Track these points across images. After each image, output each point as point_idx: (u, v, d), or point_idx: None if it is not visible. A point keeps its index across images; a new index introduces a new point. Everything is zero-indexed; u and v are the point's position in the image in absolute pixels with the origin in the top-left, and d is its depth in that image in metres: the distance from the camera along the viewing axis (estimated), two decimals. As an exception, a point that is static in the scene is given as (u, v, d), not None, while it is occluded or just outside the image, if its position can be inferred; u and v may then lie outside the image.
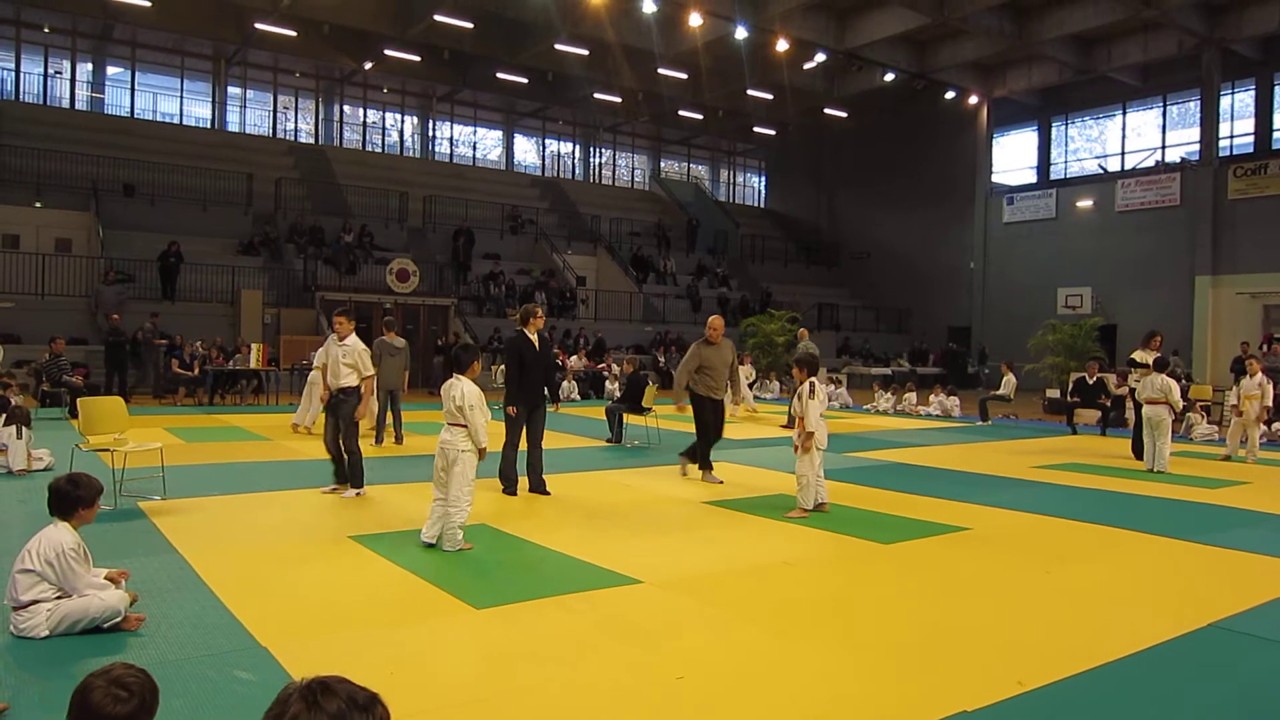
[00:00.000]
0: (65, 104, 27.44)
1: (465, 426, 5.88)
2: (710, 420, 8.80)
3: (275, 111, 31.43)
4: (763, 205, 41.38)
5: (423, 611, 4.58)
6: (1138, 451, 11.10)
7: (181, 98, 29.35)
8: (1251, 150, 25.50)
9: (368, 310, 22.14)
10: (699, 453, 8.86)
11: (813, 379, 7.27)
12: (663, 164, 40.44)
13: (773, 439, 13.01)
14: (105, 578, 4.25)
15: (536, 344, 7.95)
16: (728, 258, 33.50)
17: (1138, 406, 11.03)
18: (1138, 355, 11.62)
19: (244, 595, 4.70)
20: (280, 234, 23.96)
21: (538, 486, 7.94)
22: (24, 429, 8.37)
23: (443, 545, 5.79)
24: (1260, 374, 11.70)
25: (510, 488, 7.89)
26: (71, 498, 4.21)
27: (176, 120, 29.07)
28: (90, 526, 4.47)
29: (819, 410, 7.20)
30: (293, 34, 24.70)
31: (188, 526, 6.33)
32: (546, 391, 8.13)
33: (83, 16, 25.53)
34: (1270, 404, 11.83)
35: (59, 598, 4.02)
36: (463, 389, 5.88)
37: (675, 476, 9.21)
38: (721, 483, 8.57)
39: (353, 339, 7.63)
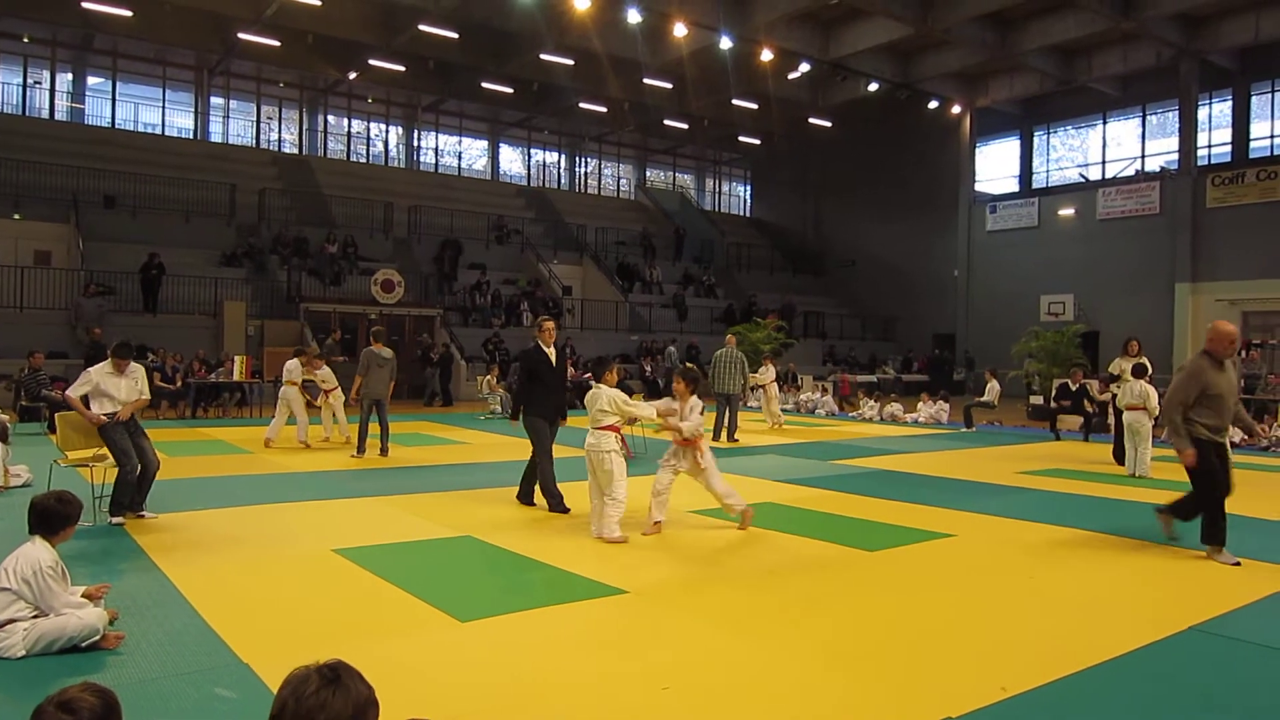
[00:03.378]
0: (45, 114, 27.27)
1: (606, 429, 6.52)
2: (1219, 471, 6.19)
3: (259, 122, 31.34)
4: (748, 214, 41.54)
5: (407, 625, 4.55)
6: (1119, 457, 11.19)
7: (163, 108, 29.24)
8: (1229, 159, 25.79)
9: (353, 321, 22.10)
10: (1207, 522, 6.19)
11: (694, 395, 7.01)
12: (648, 173, 40.55)
13: (760, 446, 13.02)
14: (84, 594, 4.21)
15: (553, 357, 7.78)
16: (714, 267, 33.58)
17: (1118, 413, 11.12)
18: (1115, 367, 11.72)
19: (226, 611, 4.66)
20: (264, 245, 23.85)
21: (526, 497, 7.89)
22: (1, 444, 8.28)
23: (602, 534, 6.43)
24: None
25: (557, 504, 7.58)
26: (60, 516, 4.18)
27: (158, 131, 28.95)
28: (69, 543, 4.43)
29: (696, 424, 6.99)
30: (276, 44, 24.64)
31: (168, 542, 6.28)
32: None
33: (63, 26, 25.37)
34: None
35: (35, 617, 3.97)
36: (605, 394, 6.56)
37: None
38: (1239, 564, 6.02)
39: (133, 364, 7.06)
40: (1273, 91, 25.37)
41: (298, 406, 12.19)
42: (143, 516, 6.93)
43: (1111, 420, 12.36)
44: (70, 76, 28.36)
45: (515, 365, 22.00)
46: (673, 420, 6.84)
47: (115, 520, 6.77)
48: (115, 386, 6.85)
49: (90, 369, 6.94)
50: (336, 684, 1.81)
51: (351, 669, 1.87)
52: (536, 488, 7.82)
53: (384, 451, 11.14)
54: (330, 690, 1.80)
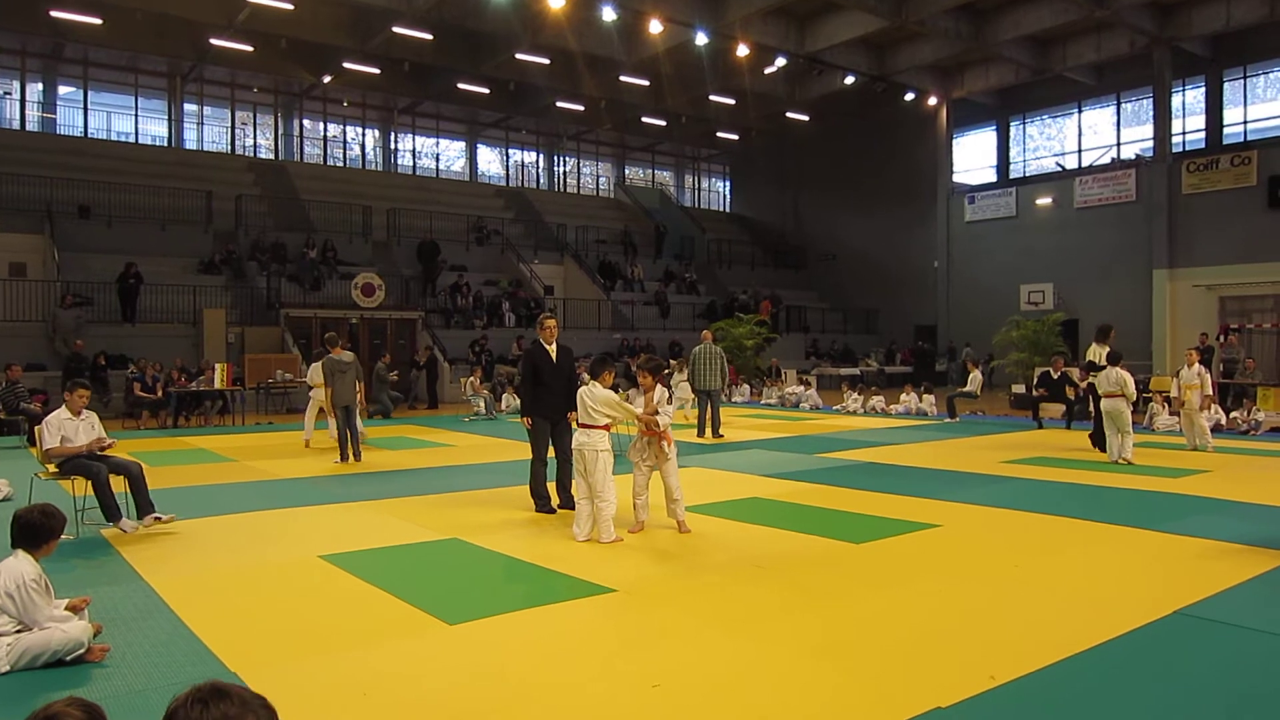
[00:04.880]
0: (15, 125, 26.91)
1: (599, 428, 6.52)
2: None
3: (234, 127, 31.07)
4: (728, 210, 41.57)
5: (395, 630, 4.53)
6: (1096, 442, 11.31)
7: (136, 116, 28.92)
8: (1203, 145, 26.05)
9: (334, 326, 21.95)
10: None
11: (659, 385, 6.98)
12: (627, 171, 40.51)
13: (745, 442, 13.04)
14: (66, 607, 4.17)
15: (554, 354, 7.63)
16: (695, 263, 33.60)
17: (1096, 399, 11.24)
18: (1094, 353, 11.87)
19: (212, 621, 4.62)
20: (242, 252, 23.67)
21: (567, 502, 7.52)
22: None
23: (600, 539, 6.37)
24: (1198, 364, 11.98)
25: (544, 505, 7.54)
26: (44, 530, 4.14)
27: (132, 139, 28.62)
28: (52, 556, 4.38)
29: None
30: (249, 49, 24.43)
31: (153, 553, 6.23)
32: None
33: (32, 36, 25.07)
34: (1210, 392, 12.10)
35: (19, 631, 3.93)
36: (594, 393, 6.57)
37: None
38: None
39: (87, 410, 7.20)
40: (1245, 78, 25.65)
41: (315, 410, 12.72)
42: (161, 519, 6.94)
43: (1093, 408, 12.48)
44: (41, 86, 28.00)
45: (500, 366, 21.95)
46: (647, 415, 6.74)
47: (126, 526, 6.79)
48: (74, 431, 7.06)
49: (50, 419, 7.08)
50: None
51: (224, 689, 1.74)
52: (552, 487, 7.70)
53: (357, 456, 11.07)
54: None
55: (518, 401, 19.08)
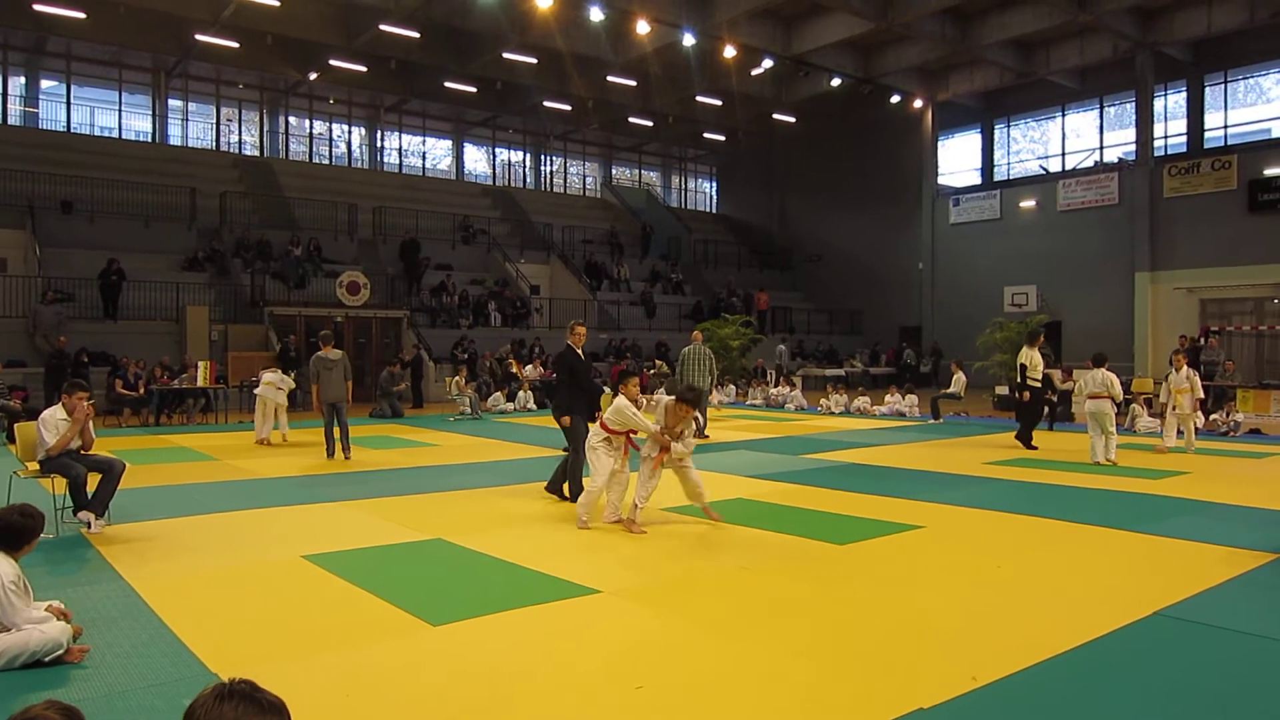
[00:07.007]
0: (-3, 119, 26.70)
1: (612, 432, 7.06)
2: None
3: (218, 124, 30.86)
4: (715, 210, 41.62)
5: (379, 631, 4.52)
6: (1022, 438, 12.03)
7: (120, 111, 28.69)
8: (1185, 150, 26.29)
9: (319, 324, 21.82)
10: None
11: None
12: (614, 171, 40.49)
13: (730, 442, 13.06)
14: (45, 609, 4.13)
15: (583, 357, 8.31)
16: (681, 263, 33.62)
17: (1034, 398, 11.69)
18: (1025, 356, 12.34)
19: (194, 622, 4.59)
20: (226, 249, 23.51)
21: (576, 491, 8.01)
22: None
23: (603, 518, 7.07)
24: (1185, 368, 12.03)
25: (576, 493, 7.84)
26: (25, 530, 4.11)
27: (115, 134, 28.38)
28: (31, 555, 4.35)
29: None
30: (235, 45, 24.28)
31: (134, 552, 6.18)
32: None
33: (14, 29, 24.83)
34: (1201, 395, 12.19)
35: (-3, 632, 3.89)
36: (615, 404, 7.08)
37: (631, 483, 9.19)
38: None
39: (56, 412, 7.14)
40: (1225, 82, 25.90)
41: (269, 408, 12.89)
42: (90, 526, 6.77)
43: (1075, 409, 12.61)
44: (23, 80, 27.74)
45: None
46: (664, 439, 7.03)
47: (92, 525, 6.71)
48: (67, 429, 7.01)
49: (45, 417, 7.00)
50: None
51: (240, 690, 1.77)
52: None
53: (346, 454, 11.04)
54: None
55: (504, 400, 19.11)
